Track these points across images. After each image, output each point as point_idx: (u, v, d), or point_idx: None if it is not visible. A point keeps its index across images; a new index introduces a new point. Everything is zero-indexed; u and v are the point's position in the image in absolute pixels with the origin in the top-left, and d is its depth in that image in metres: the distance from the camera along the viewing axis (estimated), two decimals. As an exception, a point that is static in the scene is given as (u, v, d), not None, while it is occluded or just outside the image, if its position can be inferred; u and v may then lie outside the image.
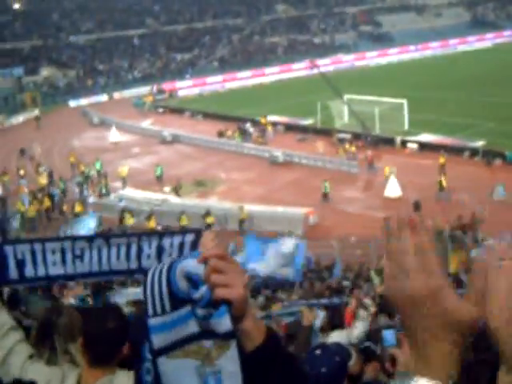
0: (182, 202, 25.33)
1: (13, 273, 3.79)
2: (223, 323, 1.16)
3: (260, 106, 42.07)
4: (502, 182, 22.75)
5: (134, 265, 3.81)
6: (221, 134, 36.63)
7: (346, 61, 63.18)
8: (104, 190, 27.74)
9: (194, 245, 3.73)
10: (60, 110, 50.29)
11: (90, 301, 8.82)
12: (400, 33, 71.52)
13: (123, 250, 3.80)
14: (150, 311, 1.16)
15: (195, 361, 1.17)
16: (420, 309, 0.85)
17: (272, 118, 38.22)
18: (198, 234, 3.85)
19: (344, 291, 11.36)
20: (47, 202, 25.68)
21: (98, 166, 30.74)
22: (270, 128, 36.61)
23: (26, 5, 67.53)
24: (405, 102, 33.10)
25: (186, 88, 55.42)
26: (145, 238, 3.85)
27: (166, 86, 54.47)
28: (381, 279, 12.72)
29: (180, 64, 63.50)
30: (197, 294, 1.15)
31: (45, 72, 57.59)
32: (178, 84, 56.39)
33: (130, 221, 23.06)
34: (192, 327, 1.17)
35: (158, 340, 1.16)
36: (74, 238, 4.05)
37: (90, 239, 3.90)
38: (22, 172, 30.18)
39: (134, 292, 8.84)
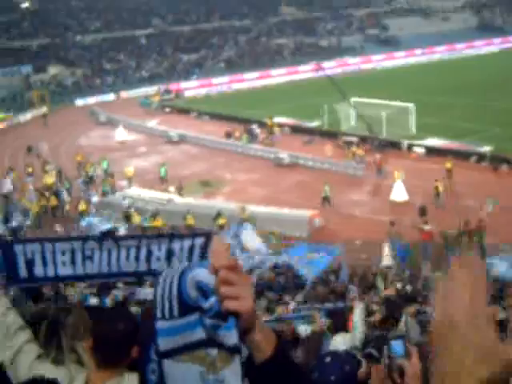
0: (187, 201, 25.34)
1: (22, 272, 3.79)
2: (230, 337, 1.18)
3: (266, 107, 42.05)
4: (489, 196, 21.74)
5: (143, 267, 3.82)
6: (228, 135, 36.66)
7: (353, 64, 63.08)
8: (108, 189, 27.77)
9: (204, 248, 3.73)
10: (67, 108, 50.41)
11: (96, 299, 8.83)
12: (407, 36, 71.23)
13: (133, 251, 3.79)
14: (159, 314, 1.19)
15: (200, 367, 1.19)
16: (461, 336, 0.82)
17: (278, 119, 38.19)
18: (208, 236, 3.84)
19: (349, 296, 11.29)
20: (54, 201, 25.80)
21: (104, 164, 30.79)
22: (276, 129, 36.57)
23: (34, 4, 67.85)
24: (412, 105, 32.99)
25: (192, 88, 55.48)
26: (155, 240, 3.84)
27: (173, 86, 54.55)
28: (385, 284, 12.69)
29: (187, 64, 63.57)
30: (206, 304, 1.17)
31: (52, 70, 57.75)
32: (185, 84, 56.44)
33: (136, 219, 23.13)
34: (199, 334, 1.19)
35: (164, 343, 1.18)
36: (84, 239, 4.07)
37: (100, 240, 3.91)
38: (29, 169, 30.29)
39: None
